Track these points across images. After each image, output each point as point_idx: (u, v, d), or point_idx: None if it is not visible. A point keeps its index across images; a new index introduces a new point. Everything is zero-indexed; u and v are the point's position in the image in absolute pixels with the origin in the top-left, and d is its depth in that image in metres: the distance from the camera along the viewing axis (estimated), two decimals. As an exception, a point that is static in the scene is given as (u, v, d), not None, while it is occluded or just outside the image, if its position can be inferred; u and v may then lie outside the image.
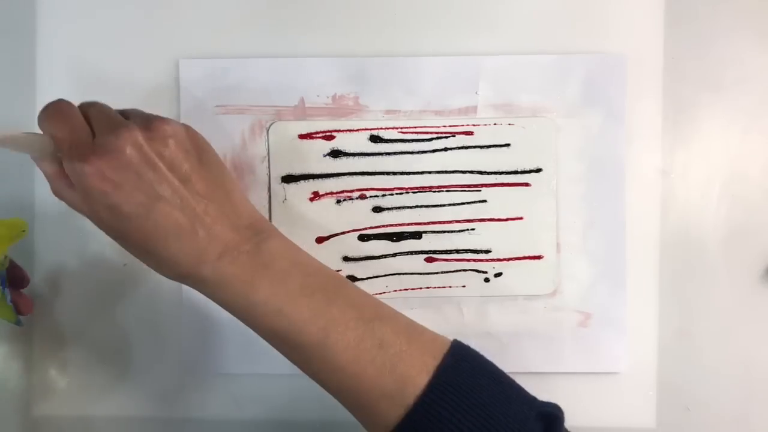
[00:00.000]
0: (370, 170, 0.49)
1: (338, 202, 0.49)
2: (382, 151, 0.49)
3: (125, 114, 0.39)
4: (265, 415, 0.49)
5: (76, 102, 0.38)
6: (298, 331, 0.37)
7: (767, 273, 0.49)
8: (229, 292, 0.37)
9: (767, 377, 0.49)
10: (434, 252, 0.49)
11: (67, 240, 0.49)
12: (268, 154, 0.49)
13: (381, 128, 0.49)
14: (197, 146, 0.39)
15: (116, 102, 0.47)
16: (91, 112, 0.38)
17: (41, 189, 0.49)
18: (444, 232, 0.49)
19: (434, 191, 0.49)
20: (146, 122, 0.37)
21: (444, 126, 0.49)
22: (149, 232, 0.36)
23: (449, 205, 0.49)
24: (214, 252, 0.37)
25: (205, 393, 0.49)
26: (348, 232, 0.49)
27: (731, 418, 0.49)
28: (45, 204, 0.49)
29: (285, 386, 0.49)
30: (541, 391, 0.49)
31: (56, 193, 0.39)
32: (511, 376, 0.48)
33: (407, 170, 0.49)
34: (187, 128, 0.39)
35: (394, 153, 0.49)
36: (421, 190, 0.49)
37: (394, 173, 0.49)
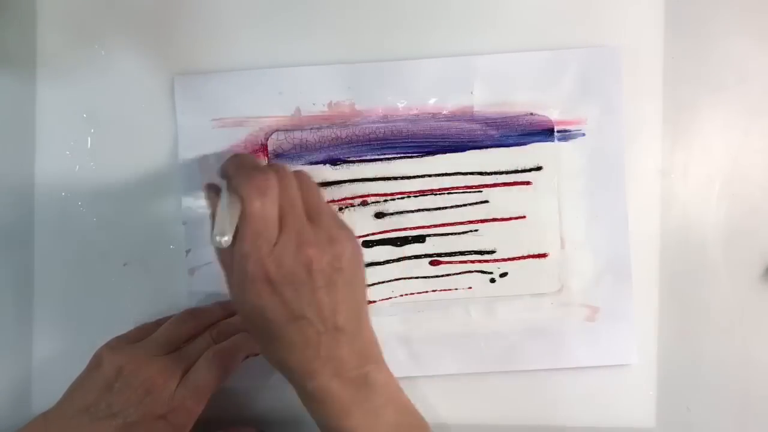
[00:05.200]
0: (370, 176, 0.49)
1: (340, 209, 0.49)
2: (381, 157, 0.49)
3: (315, 209, 0.39)
4: (264, 420, 0.49)
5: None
6: None
7: (767, 273, 0.49)
8: (324, 411, 0.39)
9: (767, 377, 0.49)
10: (439, 255, 0.49)
11: (67, 240, 0.49)
12: (268, 164, 0.49)
13: (378, 133, 0.49)
14: (357, 267, 0.40)
15: (113, 118, 0.47)
16: (284, 206, 0.38)
17: (41, 189, 0.49)
18: (447, 234, 0.49)
19: (435, 194, 0.49)
20: (330, 237, 0.38)
21: (441, 128, 0.49)
22: (279, 337, 0.38)
23: (451, 207, 0.49)
24: (328, 372, 0.38)
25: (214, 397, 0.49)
26: (352, 239, 0.49)
27: (731, 418, 0.49)
28: (45, 204, 0.49)
29: (280, 396, 0.49)
30: (542, 390, 0.49)
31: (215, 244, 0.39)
32: (520, 374, 0.48)
33: (408, 174, 0.49)
34: (357, 247, 0.40)
35: (393, 158, 0.49)
36: (423, 193, 0.49)
37: (395, 178, 0.49)
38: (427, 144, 0.49)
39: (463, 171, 0.49)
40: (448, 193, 0.49)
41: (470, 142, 0.49)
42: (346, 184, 0.49)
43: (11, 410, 0.49)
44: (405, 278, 0.49)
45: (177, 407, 0.42)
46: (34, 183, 0.49)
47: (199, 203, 0.49)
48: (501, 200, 0.49)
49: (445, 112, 0.49)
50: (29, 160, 0.49)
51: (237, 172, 0.39)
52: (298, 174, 0.41)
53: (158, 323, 0.47)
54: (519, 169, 0.49)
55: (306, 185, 0.40)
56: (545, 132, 0.49)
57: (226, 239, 0.36)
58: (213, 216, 0.40)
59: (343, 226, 0.40)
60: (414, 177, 0.49)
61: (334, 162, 0.49)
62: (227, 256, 0.38)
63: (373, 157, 0.49)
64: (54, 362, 0.49)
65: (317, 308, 0.38)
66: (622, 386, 0.49)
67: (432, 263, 0.49)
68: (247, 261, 0.37)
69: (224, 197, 0.38)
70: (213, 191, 0.41)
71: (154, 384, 0.42)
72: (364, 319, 0.41)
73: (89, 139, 0.49)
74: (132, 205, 0.49)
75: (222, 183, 0.40)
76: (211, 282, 0.49)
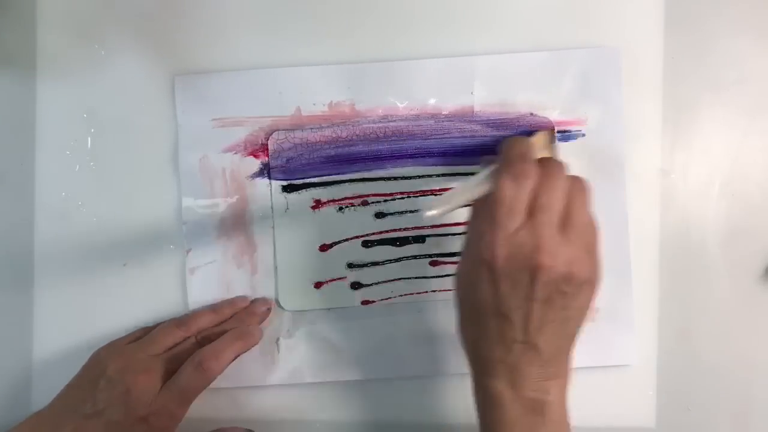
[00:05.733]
0: (370, 176, 0.49)
1: (340, 209, 0.49)
2: (381, 156, 0.49)
3: (575, 220, 0.38)
4: (261, 420, 0.49)
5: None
6: None
7: (767, 273, 0.49)
8: (490, 414, 0.38)
9: (767, 377, 0.49)
10: (438, 255, 0.49)
11: (67, 240, 0.49)
12: (269, 164, 0.49)
13: (378, 133, 0.49)
14: (585, 301, 0.39)
15: (113, 118, 0.47)
16: (540, 203, 0.37)
17: (41, 189, 0.49)
18: (447, 234, 0.49)
19: (436, 194, 0.49)
20: (573, 257, 0.37)
21: (441, 128, 0.49)
22: (478, 321, 0.38)
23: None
24: (508, 378, 0.38)
25: (204, 393, 0.49)
26: (351, 239, 0.49)
27: (731, 418, 0.49)
28: (45, 204, 0.49)
29: (278, 397, 0.49)
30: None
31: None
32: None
33: (408, 174, 0.49)
34: (595, 284, 0.39)
35: (393, 157, 0.49)
36: (423, 193, 0.49)
37: (395, 178, 0.49)
38: (427, 144, 0.48)
39: (463, 171, 0.49)
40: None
41: (470, 142, 0.48)
42: (347, 183, 0.49)
43: (11, 410, 0.49)
44: (405, 278, 0.49)
45: (159, 410, 0.42)
46: (34, 183, 0.49)
47: (198, 203, 0.49)
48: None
49: (445, 112, 0.49)
50: (29, 160, 0.49)
51: (503, 156, 0.38)
52: (575, 179, 0.39)
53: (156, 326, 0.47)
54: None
55: (577, 193, 0.39)
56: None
57: (431, 213, 0.37)
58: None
59: (594, 254, 0.39)
60: (414, 177, 0.49)
61: (334, 162, 0.49)
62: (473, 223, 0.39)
63: (372, 157, 0.48)
64: (54, 362, 0.49)
65: (524, 316, 0.37)
66: (622, 386, 0.49)
67: (432, 263, 0.49)
68: (480, 239, 0.37)
69: (477, 176, 0.38)
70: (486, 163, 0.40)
71: (136, 384, 0.42)
72: (565, 350, 0.39)
73: (89, 139, 0.49)
74: (132, 205, 0.49)
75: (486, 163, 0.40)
76: (211, 282, 0.49)
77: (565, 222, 0.37)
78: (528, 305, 0.37)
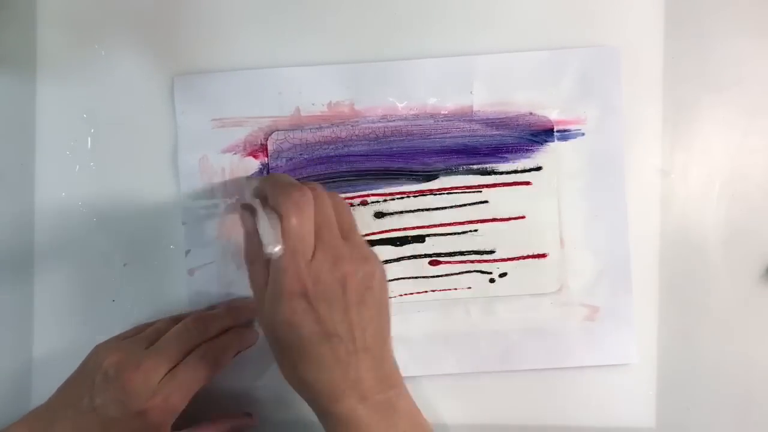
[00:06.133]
0: (369, 176, 0.49)
1: None
2: (381, 156, 0.49)
3: (347, 227, 0.40)
4: (263, 420, 0.49)
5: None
6: None
7: (767, 273, 0.49)
8: (366, 430, 0.38)
9: (767, 377, 0.49)
10: (438, 255, 0.49)
11: (67, 240, 0.49)
12: (268, 164, 0.49)
13: (378, 133, 0.49)
14: (384, 288, 0.40)
15: (113, 118, 0.47)
16: (320, 223, 0.38)
17: (41, 189, 0.49)
18: (447, 234, 0.49)
19: (435, 194, 0.49)
20: (363, 256, 0.39)
21: (441, 127, 0.49)
22: (309, 356, 0.38)
23: (451, 207, 0.49)
24: (356, 395, 0.38)
25: (204, 393, 0.49)
26: (351, 238, 0.49)
27: (731, 418, 0.49)
28: (45, 204, 0.49)
29: (278, 394, 0.49)
30: (542, 390, 0.49)
31: (248, 258, 0.40)
32: (520, 374, 0.48)
33: (409, 174, 0.49)
34: (383, 269, 0.40)
35: (393, 157, 0.49)
36: (422, 193, 0.49)
37: (396, 179, 0.49)
38: (426, 143, 0.48)
39: (463, 171, 0.49)
40: (448, 193, 0.49)
41: (470, 141, 0.49)
42: (346, 183, 0.49)
43: (11, 411, 0.49)
44: (405, 278, 0.49)
45: (158, 403, 0.41)
46: (34, 183, 0.49)
47: (199, 203, 0.49)
48: (501, 200, 0.49)
49: (444, 112, 0.49)
50: (29, 160, 0.49)
51: (275, 190, 0.39)
52: (331, 194, 0.41)
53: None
54: (519, 169, 0.49)
55: (338, 204, 0.41)
56: (545, 132, 0.49)
57: (278, 249, 0.37)
58: (248, 234, 0.40)
59: (371, 248, 0.41)
60: (414, 177, 0.49)
61: (333, 161, 0.49)
62: (258, 274, 0.39)
63: (372, 156, 0.49)
64: (54, 362, 0.49)
65: (349, 326, 0.38)
66: (622, 386, 0.49)
67: (431, 263, 0.49)
68: (285, 275, 0.37)
69: (263, 214, 0.39)
70: (248, 211, 0.41)
71: (132, 380, 0.41)
72: (388, 342, 0.41)
73: (89, 139, 0.49)
74: (132, 205, 0.49)
75: (255, 201, 0.40)
76: (211, 282, 0.49)
77: (342, 231, 0.40)
78: (349, 314, 0.38)
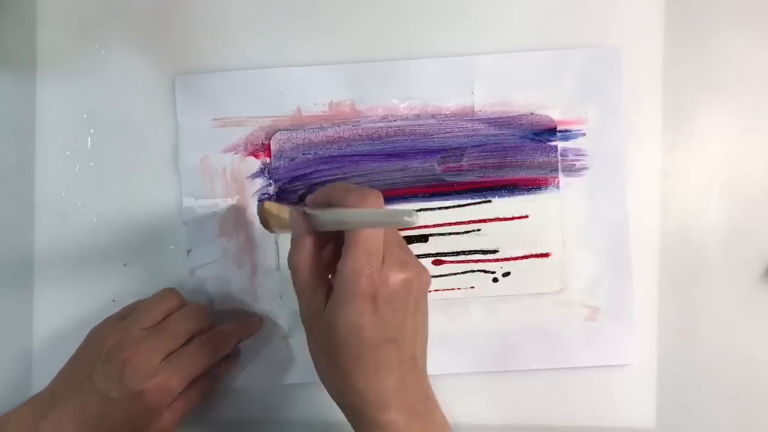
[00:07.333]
0: (371, 176, 0.49)
1: None
2: (382, 156, 0.49)
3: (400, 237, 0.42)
4: (262, 419, 0.49)
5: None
6: None
7: (767, 273, 0.49)
8: None
9: (767, 377, 0.49)
10: (441, 254, 0.49)
11: (67, 240, 0.49)
12: (270, 164, 0.49)
13: (380, 133, 0.49)
14: (426, 298, 0.41)
15: (113, 118, 0.48)
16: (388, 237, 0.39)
17: (41, 189, 0.49)
18: (450, 234, 0.49)
19: (438, 194, 0.49)
20: (418, 264, 0.39)
21: (442, 127, 0.49)
22: (366, 361, 0.38)
23: (454, 207, 0.49)
24: (401, 405, 0.38)
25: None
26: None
27: (731, 418, 0.49)
28: (45, 204, 0.49)
29: (283, 395, 0.49)
30: (542, 390, 0.49)
31: (300, 264, 0.39)
32: (520, 374, 0.48)
33: (409, 174, 0.49)
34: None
35: (394, 157, 0.49)
36: (424, 192, 0.49)
37: (395, 177, 0.49)
38: (428, 143, 0.48)
39: (465, 170, 0.49)
40: (451, 193, 0.49)
41: (471, 141, 0.49)
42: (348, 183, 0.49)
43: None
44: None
45: (157, 383, 0.41)
46: (34, 183, 0.49)
47: (199, 203, 0.49)
48: (504, 200, 0.49)
49: (446, 112, 0.49)
50: (29, 160, 0.49)
51: (347, 195, 0.39)
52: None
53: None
54: (520, 169, 0.49)
55: None
56: (546, 132, 0.49)
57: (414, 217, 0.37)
58: (299, 239, 0.40)
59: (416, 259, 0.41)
60: (415, 177, 0.49)
61: (335, 161, 0.49)
62: (310, 279, 0.39)
63: (374, 156, 0.49)
64: (53, 363, 0.48)
65: (406, 332, 0.38)
66: (622, 386, 0.49)
67: (435, 263, 0.49)
68: (360, 277, 0.37)
69: (335, 212, 0.39)
70: (302, 216, 0.40)
71: (131, 360, 0.41)
72: (425, 354, 0.41)
73: (89, 139, 0.49)
74: (132, 205, 0.49)
75: (313, 209, 0.40)
76: (211, 282, 0.49)
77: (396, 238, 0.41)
78: (406, 320, 0.38)
